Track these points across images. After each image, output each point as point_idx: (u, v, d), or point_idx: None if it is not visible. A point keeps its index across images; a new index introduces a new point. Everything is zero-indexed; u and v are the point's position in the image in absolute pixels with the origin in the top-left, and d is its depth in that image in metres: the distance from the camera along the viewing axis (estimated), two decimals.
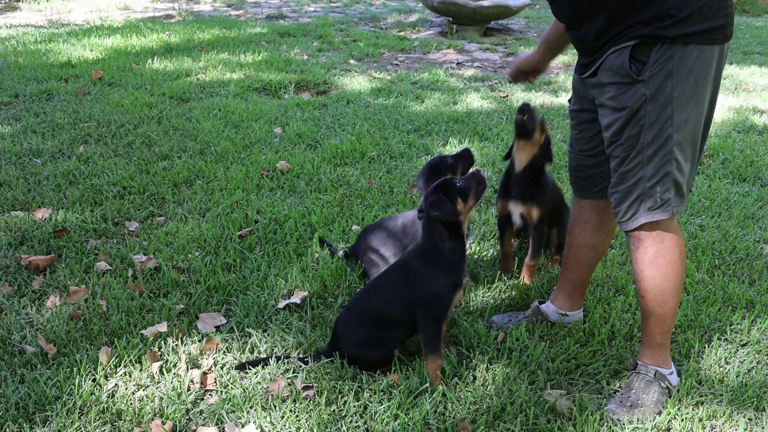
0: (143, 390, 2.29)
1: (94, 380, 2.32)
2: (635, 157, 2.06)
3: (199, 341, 2.54)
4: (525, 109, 2.82)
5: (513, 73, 2.74)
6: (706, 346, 2.58)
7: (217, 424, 2.14)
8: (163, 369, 2.39)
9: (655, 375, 2.27)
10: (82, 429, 2.11)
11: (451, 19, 9.61)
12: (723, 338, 2.64)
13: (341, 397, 2.25)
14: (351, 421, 2.15)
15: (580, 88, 2.32)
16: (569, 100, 2.45)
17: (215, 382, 2.34)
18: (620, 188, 2.13)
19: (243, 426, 2.13)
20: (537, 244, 3.01)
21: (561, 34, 2.50)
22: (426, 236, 2.39)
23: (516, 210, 2.99)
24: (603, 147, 2.31)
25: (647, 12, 1.93)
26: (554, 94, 6.35)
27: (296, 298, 2.82)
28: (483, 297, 2.92)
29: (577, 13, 2.12)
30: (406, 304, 2.34)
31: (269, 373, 2.36)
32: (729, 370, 2.45)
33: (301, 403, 2.20)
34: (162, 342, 2.53)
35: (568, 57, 7.68)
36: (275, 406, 2.20)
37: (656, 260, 2.14)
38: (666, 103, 1.97)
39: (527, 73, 2.73)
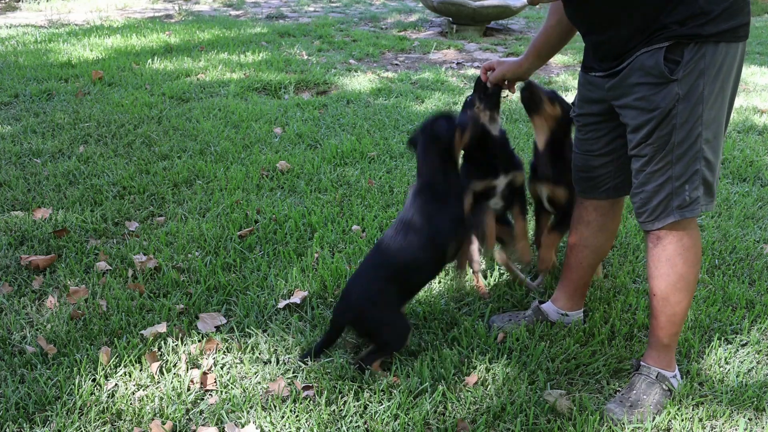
0: (143, 390, 2.29)
1: (94, 380, 2.32)
2: (665, 157, 2.05)
3: (199, 341, 2.54)
4: (526, 85, 2.74)
5: (497, 79, 2.68)
6: (706, 346, 2.58)
7: (217, 424, 2.15)
8: (163, 369, 2.39)
9: (657, 377, 2.27)
10: (82, 429, 2.11)
11: (451, 19, 9.61)
12: (723, 338, 2.64)
13: (341, 397, 2.25)
14: (351, 421, 2.15)
15: (590, 89, 2.28)
16: (573, 103, 2.43)
17: (215, 382, 2.34)
18: (647, 188, 2.11)
19: (243, 426, 2.13)
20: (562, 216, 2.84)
21: (551, 42, 2.51)
22: (422, 171, 2.45)
23: (544, 192, 2.85)
24: (611, 147, 2.30)
25: (681, 12, 1.92)
26: None
27: (296, 298, 2.82)
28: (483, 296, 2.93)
29: (600, 18, 2.09)
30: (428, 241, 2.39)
31: (269, 373, 2.36)
32: (729, 370, 2.45)
33: (301, 403, 2.20)
34: (162, 342, 2.53)
35: (568, 57, 7.67)
36: (275, 406, 2.20)
37: (673, 258, 2.14)
38: (698, 102, 1.97)
39: (510, 81, 2.70)
